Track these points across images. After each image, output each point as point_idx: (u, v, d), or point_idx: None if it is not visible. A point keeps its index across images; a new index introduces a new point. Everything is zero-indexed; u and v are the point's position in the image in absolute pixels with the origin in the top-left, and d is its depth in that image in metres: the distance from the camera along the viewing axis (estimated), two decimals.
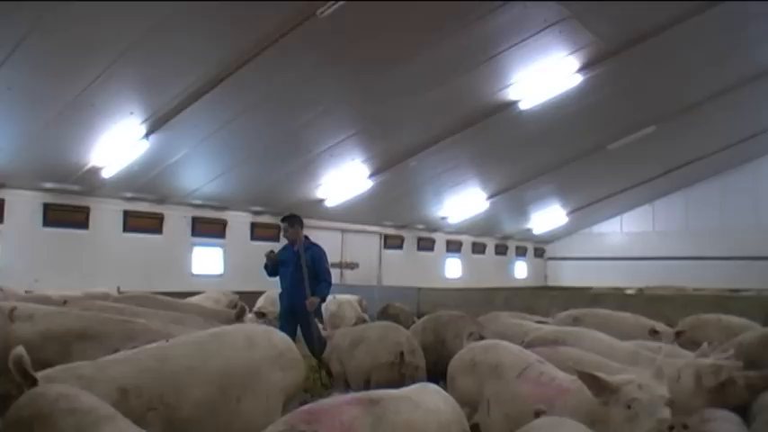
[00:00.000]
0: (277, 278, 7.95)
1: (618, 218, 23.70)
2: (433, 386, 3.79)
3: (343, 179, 14.10)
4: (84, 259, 11.59)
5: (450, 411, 3.48)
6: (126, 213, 12.46)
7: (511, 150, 15.05)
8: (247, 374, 3.91)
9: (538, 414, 3.46)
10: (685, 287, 16.55)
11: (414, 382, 4.47)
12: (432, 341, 6.79)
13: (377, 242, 18.12)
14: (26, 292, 8.77)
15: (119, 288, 10.01)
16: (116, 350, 4.24)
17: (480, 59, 10.77)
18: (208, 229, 13.87)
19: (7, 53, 7.76)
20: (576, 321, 7.13)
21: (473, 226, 20.09)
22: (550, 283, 24.75)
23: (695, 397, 4.20)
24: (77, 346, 4.96)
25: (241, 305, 7.81)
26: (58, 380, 3.25)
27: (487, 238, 22.22)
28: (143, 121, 9.96)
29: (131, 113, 9.74)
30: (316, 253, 7.75)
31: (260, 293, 11.24)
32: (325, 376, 6.91)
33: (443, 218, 18.68)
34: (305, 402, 3.50)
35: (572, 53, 11.25)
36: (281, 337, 4.46)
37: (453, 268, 20.97)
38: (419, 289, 13.39)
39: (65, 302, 7.22)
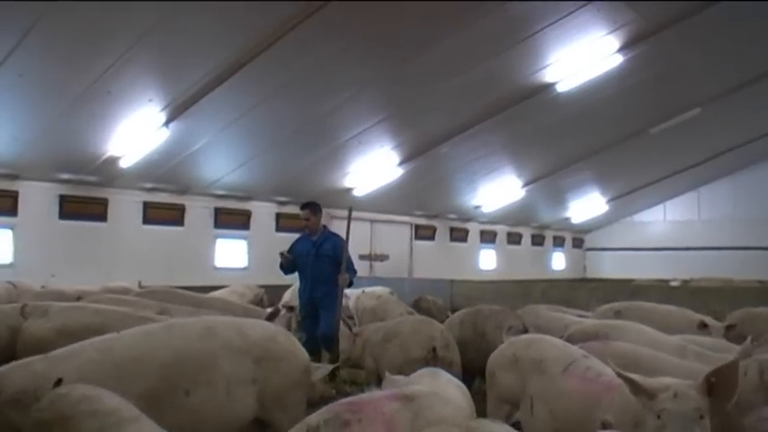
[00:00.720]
0: (295, 274, 7.55)
1: (661, 206, 23.35)
2: (444, 373, 4.04)
3: (372, 167, 13.97)
4: (103, 253, 11.44)
5: (466, 405, 3.69)
6: (146, 205, 12.27)
7: (547, 135, 14.78)
8: (198, 366, 3.72)
9: (605, 426, 3.26)
10: (732, 279, 16.15)
11: None
12: (470, 335, 6.68)
13: (407, 233, 17.89)
14: (42, 287, 8.56)
15: (140, 282, 9.85)
16: None
17: (515, 40, 10.55)
18: (231, 220, 13.64)
19: (18, 38, 7.66)
20: (617, 315, 6.91)
21: (508, 215, 19.90)
22: (590, 274, 24.46)
23: (757, 393, 4.00)
24: None
25: (276, 307, 7.56)
26: (13, 376, 3.29)
27: (523, 228, 21.98)
28: (162, 109, 9.86)
29: (150, 101, 9.66)
30: (337, 243, 7.33)
31: (286, 287, 10.93)
32: (339, 380, 6.72)
33: (477, 207, 18.49)
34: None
35: (611, 32, 10.99)
36: (262, 329, 4.15)
37: (488, 260, 20.72)
38: (452, 281, 13.19)
39: (78, 298, 6.96)
